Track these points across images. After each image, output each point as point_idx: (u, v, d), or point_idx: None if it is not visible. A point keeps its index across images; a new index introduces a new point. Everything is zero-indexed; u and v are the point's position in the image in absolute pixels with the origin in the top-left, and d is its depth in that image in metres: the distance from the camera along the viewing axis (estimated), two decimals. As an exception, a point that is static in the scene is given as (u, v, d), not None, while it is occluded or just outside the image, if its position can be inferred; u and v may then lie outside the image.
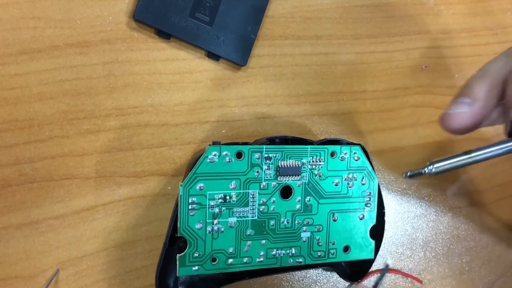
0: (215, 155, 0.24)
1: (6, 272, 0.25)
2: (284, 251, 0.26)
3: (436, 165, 0.22)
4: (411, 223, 0.35)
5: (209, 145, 0.24)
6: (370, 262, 0.30)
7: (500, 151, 0.22)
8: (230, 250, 0.25)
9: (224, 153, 0.24)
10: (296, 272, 0.31)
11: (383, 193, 0.32)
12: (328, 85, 0.32)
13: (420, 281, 0.34)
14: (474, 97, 0.23)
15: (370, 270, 0.31)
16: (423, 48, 0.34)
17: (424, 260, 0.35)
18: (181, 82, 0.28)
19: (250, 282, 0.30)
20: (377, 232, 0.29)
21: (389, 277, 0.34)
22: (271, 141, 0.27)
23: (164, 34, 0.27)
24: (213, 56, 0.28)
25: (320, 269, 0.32)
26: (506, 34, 0.37)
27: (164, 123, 0.28)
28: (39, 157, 0.25)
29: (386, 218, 0.29)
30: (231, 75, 0.29)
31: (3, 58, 0.25)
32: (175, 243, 0.26)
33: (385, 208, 0.29)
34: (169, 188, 0.28)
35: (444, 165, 0.22)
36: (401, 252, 0.34)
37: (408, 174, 0.24)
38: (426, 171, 0.22)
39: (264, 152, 0.25)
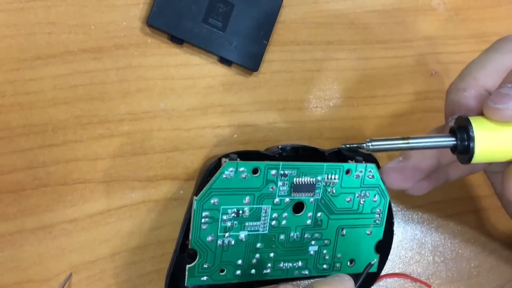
0: (231, 171, 0.24)
1: (20, 276, 0.25)
2: (291, 264, 0.27)
3: (374, 143, 0.22)
4: (419, 228, 0.35)
5: (226, 160, 0.24)
6: (374, 276, 0.30)
7: (436, 144, 0.23)
8: (239, 262, 0.26)
9: (241, 169, 0.24)
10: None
11: (392, 198, 0.33)
12: (339, 90, 0.32)
13: (428, 286, 0.35)
14: (405, 157, 0.26)
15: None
16: (433, 53, 0.35)
17: (433, 265, 0.35)
18: (194, 87, 0.28)
19: None
20: (385, 246, 0.29)
21: (398, 282, 0.34)
22: (283, 149, 0.27)
23: (177, 40, 0.28)
24: (225, 61, 0.29)
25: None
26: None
27: (177, 128, 0.28)
28: (53, 162, 0.26)
29: (395, 222, 0.29)
30: (243, 80, 0.29)
31: (18, 63, 0.25)
32: (185, 250, 0.26)
33: (395, 212, 0.29)
34: (181, 192, 0.28)
35: (382, 144, 0.23)
36: (410, 257, 0.35)
37: (347, 146, 0.24)
38: (364, 147, 0.23)
39: (280, 169, 0.25)
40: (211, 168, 0.25)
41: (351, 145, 0.24)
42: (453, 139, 0.22)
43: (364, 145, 0.23)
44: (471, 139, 0.22)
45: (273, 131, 0.30)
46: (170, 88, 0.28)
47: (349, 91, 0.32)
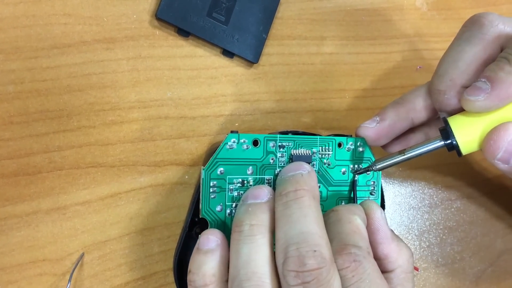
0: (234, 142, 0.27)
1: (35, 255, 0.28)
2: None
3: (378, 165, 0.28)
4: (406, 214, 0.38)
5: (230, 132, 0.27)
6: None
7: (427, 149, 0.28)
8: None
9: (242, 140, 0.28)
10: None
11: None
12: (332, 83, 0.35)
13: (416, 269, 0.38)
14: (382, 118, 0.29)
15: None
16: (418, 50, 0.38)
17: (419, 249, 0.39)
18: (198, 78, 0.31)
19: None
20: None
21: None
22: (284, 134, 0.30)
23: (183, 32, 0.30)
24: (227, 53, 0.32)
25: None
26: (492, 39, 0.41)
27: (182, 116, 0.31)
28: (67, 146, 0.28)
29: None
30: (243, 72, 0.32)
31: (36, 52, 0.27)
32: (192, 228, 0.29)
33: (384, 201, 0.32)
34: (187, 177, 0.31)
35: (385, 163, 0.28)
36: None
37: (358, 171, 0.30)
38: (372, 169, 0.29)
39: (278, 140, 0.28)
40: (217, 146, 0.28)
41: (360, 170, 0.30)
42: (440, 141, 0.27)
43: (372, 167, 0.29)
44: (453, 137, 0.26)
45: (271, 120, 0.33)
46: (177, 78, 0.31)
47: (341, 84, 0.35)
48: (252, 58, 0.32)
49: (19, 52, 0.27)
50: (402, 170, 0.37)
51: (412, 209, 0.38)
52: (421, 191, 0.38)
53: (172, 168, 0.30)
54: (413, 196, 0.38)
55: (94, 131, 0.28)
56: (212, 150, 0.29)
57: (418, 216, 0.38)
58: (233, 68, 0.32)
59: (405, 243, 0.27)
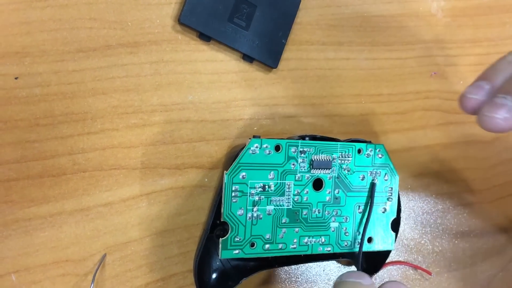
0: (256, 147, 0.28)
1: (59, 255, 0.28)
2: (315, 239, 0.31)
3: None
4: (420, 219, 0.39)
5: (252, 137, 0.28)
6: (386, 254, 0.34)
7: None
8: (267, 236, 0.29)
9: (265, 145, 0.28)
10: (303, 265, 0.35)
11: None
12: (348, 88, 0.36)
13: (429, 273, 0.39)
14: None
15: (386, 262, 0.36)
16: (433, 56, 0.39)
17: (432, 254, 0.39)
18: (219, 82, 0.32)
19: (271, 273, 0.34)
20: (395, 227, 0.33)
21: (400, 269, 0.38)
22: (302, 138, 0.31)
23: (205, 37, 0.31)
24: (247, 58, 0.33)
25: (334, 262, 0.36)
26: (505, 45, 0.42)
27: (203, 119, 0.32)
28: (91, 148, 0.29)
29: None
30: (263, 77, 0.33)
31: (62, 55, 0.28)
32: (213, 231, 0.30)
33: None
34: (206, 180, 0.32)
35: None
36: (412, 246, 0.39)
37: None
38: None
39: (299, 146, 0.29)
40: (239, 150, 0.29)
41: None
42: None
43: None
44: None
45: (289, 125, 0.34)
46: (198, 82, 0.31)
47: (357, 89, 0.36)
48: (271, 63, 0.33)
49: (45, 55, 0.28)
50: (416, 176, 0.38)
51: (425, 214, 0.39)
52: (434, 196, 0.39)
53: (192, 171, 0.31)
54: (427, 201, 0.39)
55: (117, 134, 0.29)
56: (233, 154, 0.30)
57: (432, 221, 0.39)
58: (252, 72, 0.33)
59: None
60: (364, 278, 0.25)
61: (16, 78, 0.27)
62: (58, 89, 0.28)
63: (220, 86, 0.32)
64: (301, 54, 0.34)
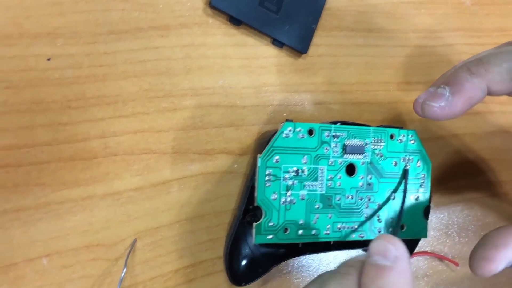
0: (290, 130, 0.28)
1: (89, 240, 0.28)
2: (348, 225, 0.30)
3: None
4: (447, 210, 0.39)
5: (285, 121, 0.28)
6: (414, 244, 0.34)
7: None
8: (301, 221, 0.29)
9: (298, 129, 0.28)
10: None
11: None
12: (377, 75, 0.36)
13: (456, 264, 0.38)
14: (454, 90, 0.27)
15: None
16: (460, 44, 0.39)
17: (459, 245, 0.39)
18: (248, 67, 0.32)
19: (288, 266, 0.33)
20: (426, 214, 0.33)
21: (426, 260, 0.38)
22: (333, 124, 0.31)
23: (235, 21, 0.31)
24: (277, 43, 0.32)
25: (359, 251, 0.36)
26: (532, 35, 0.42)
27: (233, 105, 0.31)
28: (122, 132, 0.29)
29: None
30: (292, 62, 0.33)
31: (94, 37, 0.28)
32: (245, 216, 0.29)
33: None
34: (235, 166, 0.31)
35: None
36: (438, 236, 0.38)
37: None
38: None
39: (332, 130, 0.29)
40: (271, 135, 0.28)
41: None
42: None
43: None
44: None
45: (318, 111, 0.34)
46: (228, 67, 0.31)
47: (385, 77, 0.36)
48: (301, 48, 0.33)
49: (77, 37, 0.27)
50: (442, 165, 0.38)
51: (452, 204, 0.39)
52: (461, 186, 0.39)
53: (222, 156, 0.31)
54: (453, 191, 0.39)
55: (148, 118, 0.29)
56: (263, 139, 0.30)
57: (458, 211, 0.39)
58: (282, 58, 0.32)
59: None
60: (387, 252, 0.22)
61: (48, 59, 0.27)
62: (90, 71, 0.28)
63: (250, 72, 0.32)
64: (330, 40, 0.34)
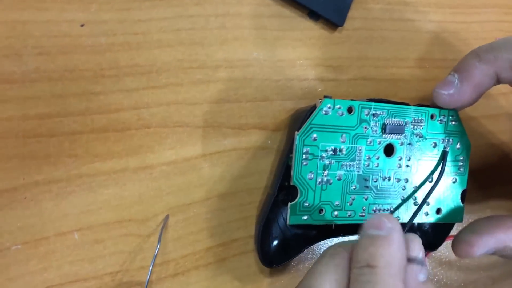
0: (329, 107, 0.27)
1: (122, 214, 0.27)
2: (383, 208, 0.29)
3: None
4: (482, 192, 0.38)
5: (323, 97, 0.27)
6: (448, 230, 0.33)
7: None
8: (336, 202, 0.28)
9: (337, 106, 0.27)
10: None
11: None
12: (413, 51, 0.35)
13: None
14: (463, 77, 0.28)
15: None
16: (497, 21, 0.38)
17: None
18: (284, 39, 0.31)
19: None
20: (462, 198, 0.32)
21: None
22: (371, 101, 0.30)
23: (271, -9, 0.30)
24: (313, 15, 0.31)
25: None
26: None
27: (267, 78, 0.30)
28: (155, 103, 0.28)
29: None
30: (327, 35, 0.32)
31: (128, 3, 0.27)
32: (278, 194, 0.28)
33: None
34: (269, 142, 0.30)
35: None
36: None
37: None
38: None
39: (372, 109, 0.28)
40: (311, 109, 0.27)
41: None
42: None
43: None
44: None
45: (353, 87, 0.33)
46: (263, 38, 0.30)
47: (421, 53, 0.35)
48: (337, 21, 0.31)
49: (112, 2, 0.26)
50: (476, 146, 0.37)
51: (484, 189, 0.38)
52: (494, 168, 0.38)
53: (256, 132, 0.30)
54: (486, 174, 0.38)
55: (182, 89, 0.28)
56: (297, 115, 0.29)
57: (494, 193, 0.38)
58: (317, 31, 0.31)
59: None
60: (382, 224, 0.22)
61: (82, 26, 0.26)
62: (124, 39, 0.27)
63: (285, 44, 0.31)
64: (366, 13, 0.33)
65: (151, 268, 0.27)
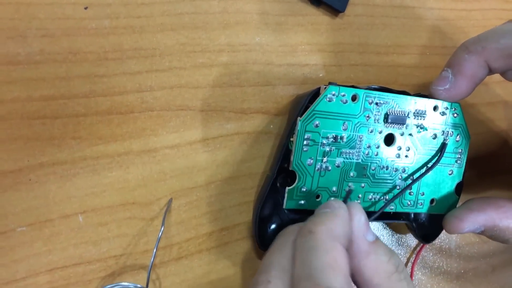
0: (333, 94, 0.27)
1: (125, 197, 0.28)
2: (379, 196, 0.30)
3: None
4: (484, 180, 0.38)
5: (328, 83, 0.27)
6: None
7: None
8: (333, 189, 0.28)
9: (342, 93, 0.27)
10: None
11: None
12: (414, 38, 0.35)
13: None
14: (456, 71, 0.29)
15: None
16: (497, 9, 0.38)
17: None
18: (286, 24, 0.31)
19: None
20: (458, 190, 0.32)
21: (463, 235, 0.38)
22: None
23: (273, -24, 0.30)
24: (315, 1, 0.32)
25: (386, 228, 0.35)
26: None
27: (269, 63, 0.31)
28: (159, 86, 0.28)
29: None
30: (329, 21, 0.32)
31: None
32: (277, 177, 0.29)
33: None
34: (271, 126, 0.31)
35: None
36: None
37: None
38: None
39: (376, 97, 0.28)
40: (313, 94, 0.28)
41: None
42: None
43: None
44: None
45: (354, 73, 0.33)
46: (265, 23, 0.30)
47: (422, 40, 0.35)
48: (339, 7, 0.32)
49: (115, -15, 0.27)
50: (475, 134, 0.38)
51: (484, 175, 0.38)
52: (494, 155, 0.39)
53: (258, 116, 0.30)
54: (485, 162, 0.38)
55: (185, 73, 0.28)
56: (299, 100, 0.29)
57: (494, 182, 0.39)
58: (319, 16, 0.32)
59: (391, 254, 0.24)
60: (328, 204, 0.24)
61: (85, 8, 0.26)
62: (127, 22, 0.27)
63: (287, 29, 0.31)
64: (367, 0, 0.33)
65: (155, 251, 0.27)
